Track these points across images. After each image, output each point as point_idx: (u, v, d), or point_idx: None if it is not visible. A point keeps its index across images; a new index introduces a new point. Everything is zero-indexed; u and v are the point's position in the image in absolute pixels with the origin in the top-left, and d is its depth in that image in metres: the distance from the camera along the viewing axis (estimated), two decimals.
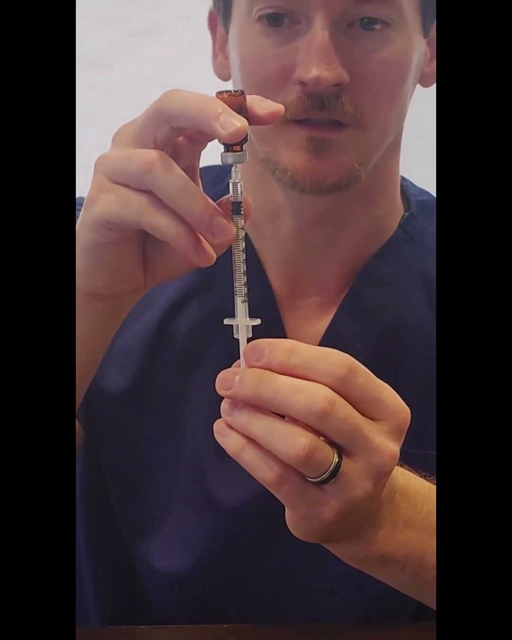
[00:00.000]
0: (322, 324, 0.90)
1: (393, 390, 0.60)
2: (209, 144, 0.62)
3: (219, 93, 0.59)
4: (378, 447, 0.58)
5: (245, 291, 0.60)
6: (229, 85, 0.87)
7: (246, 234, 0.88)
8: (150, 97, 0.62)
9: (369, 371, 0.58)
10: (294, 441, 0.56)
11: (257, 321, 0.60)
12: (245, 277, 0.60)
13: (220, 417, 0.59)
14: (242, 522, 0.90)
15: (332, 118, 0.79)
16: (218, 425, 0.59)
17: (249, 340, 0.60)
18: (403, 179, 0.95)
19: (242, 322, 0.60)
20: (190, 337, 0.90)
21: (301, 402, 0.56)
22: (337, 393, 0.57)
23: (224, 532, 0.90)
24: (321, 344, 0.87)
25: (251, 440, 0.58)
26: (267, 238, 0.90)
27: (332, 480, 0.57)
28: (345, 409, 0.57)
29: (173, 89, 0.60)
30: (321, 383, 0.57)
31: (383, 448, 0.58)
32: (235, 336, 0.60)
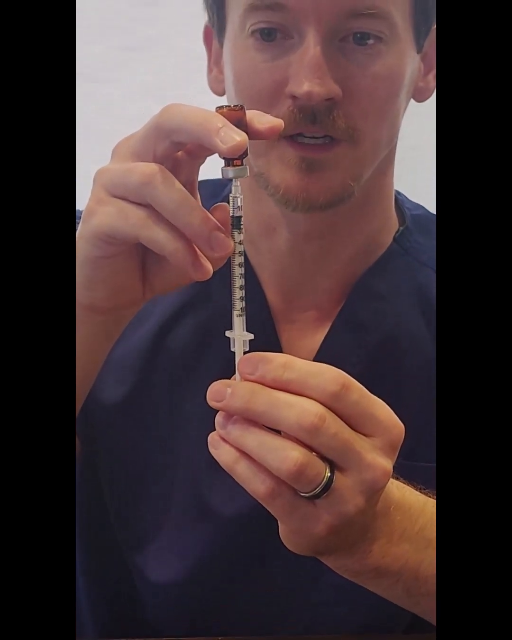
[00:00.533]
0: (318, 337, 0.90)
1: (387, 406, 0.60)
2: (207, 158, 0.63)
3: (219, 108, 0.59)
4: (370, 463, 0.58)
5: (243, 305, 0.60)
6: (224, 100, 0.87)
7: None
8: (146, 111, 0.62)
9: (363, 387, 0.59)
10: (286, 456, 0.56)
11: (251, 336, 0.61)
12: (243, 291, 0.60)
13: (215, 429, 0.59)
14: (237, 534, 0.90)
15: (325, 133, 0.79)
16: (212, 437, 0.60)
17: (245, 353, 0.60)
18: (398, 193, 0.95)
19: (238, 336, 0.60)
20: (186, 350, 0.90)
21: (291, 417, 0.56)
22: (330, 409, 0.57)
23: (219, 543, 0.90)
24: (316, 358, 0.88)
25: (244, 453, 0.58)
26: (263, 252, 0.90)
27: (324, 495, 0.57)
28: (336, 425, 0.57)
29: (173, 104, 0.60)
30: (314, 399, 0.57)
31: (375, 464, 0.58)
32: (232, 349, 0.60)
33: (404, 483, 0.67)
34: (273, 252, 0.89)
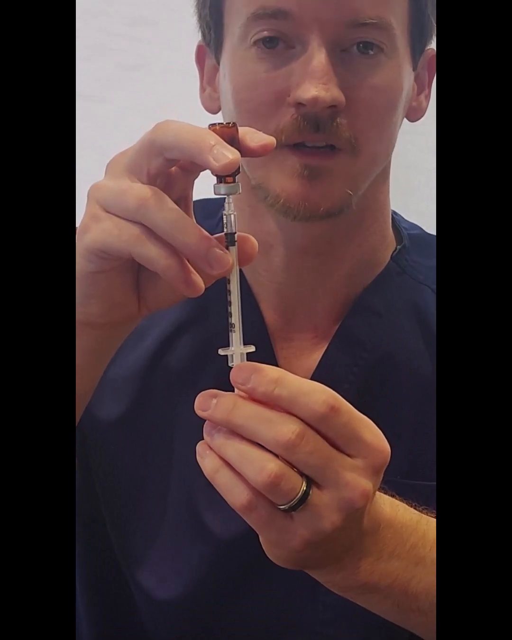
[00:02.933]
0: (316, 356, 0.90)
1: (375, 428, 0.61)
2: (203, 175, 0.63)
3: (212, 125, 0.59)
4: (349, 482, 0.59)
5: (240, 322, 0.61)
6: (219, 118, 0.87)
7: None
8: (142, 130, 0.62)
9: (352, 408, 0.59)
10: (262, 467, 0.57)
11: (252, 348, 0.61)
12: (239, 309, 0.61)
13: None
14: (233, 550, 0.89)
15: (327, 142, 0.79)
16: (200, 446, 0.61)
17: None
18: (394, 212, 0.95)
19: (237, 350, 0.61)
20: (184, 368, 0.90)
21: (269, 433, 0.57)
22: (316, 429, 0.58)
23: (216, 561, 0.90)
24: (314, 377, 0.88)
25: (226, 463, 0.59)
26: (260, 270, 0.90)
27: (300, 508, 0.58)
28: (314, 443, 0.58)
29: (166, 120, 0.60)
30: (300, 418, 0.58)
31: (354, 483, 0.59)
32: (230, 365, 0.61)
33: (399, 501, 0.67)
34: (270, 269, 0.89)
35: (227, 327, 0.61)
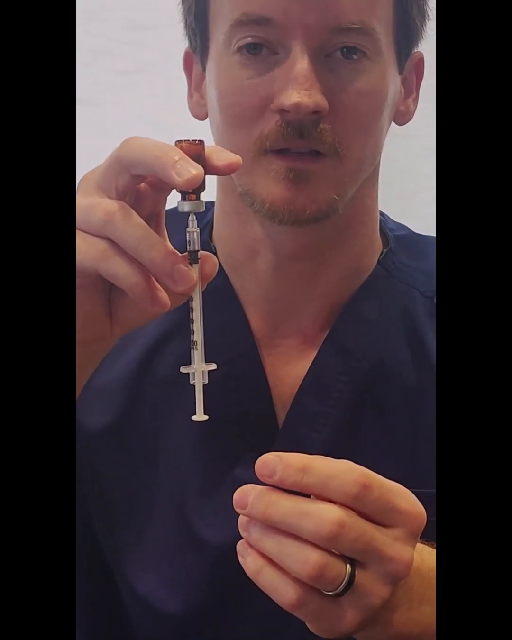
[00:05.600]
0: (304, 363, 0.89)
1: (408, 492, 0.61)
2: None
3: (178, 141, 0.59)
4: (393, 557, 0.59)
5: (202, 339, 0.62)
6: (206, 125, 0.88)
7: (226, 274, 0.90)
8: (139, 134, 0.63)
9: (383, 480, 0.60)
10: (304, 559, 0.57)
11: (213, 366, 0.62)
12: (202, 326, 0.62)
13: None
14: (227, 559, 0.89)
15: (311, 147, 0.79)
16: (240, 545, 0.62)
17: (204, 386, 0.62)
18: (381, 213, 0.95)
19: (199, 368, 0.62)
20: (171, 376, 0.89)
21: (309, 527, 0.58)
22: (352, 509, 0.58)
23: (209, 570, 0.90)
24: (303, 384, 0.88)
25: (269, 561, 0.60)
26: (247, 276, 0.90)
27: (348, 592, 0.59)
28: (356, 529, 0.58)
29: (133, 137, 0.61)
30: (334, 501, 0.58)
31: (397, 557, 0.59)
32: (191, 382, 0.62)
33: (420, 543, 0.66)
34: (257, 275, 0.89)
35: (190, 344, 0.62)
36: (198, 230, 0.61)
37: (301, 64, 0.77)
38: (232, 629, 0.91)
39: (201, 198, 0.59)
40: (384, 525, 0.60)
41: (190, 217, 0.60)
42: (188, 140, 0.59)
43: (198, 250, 0.61)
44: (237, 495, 0.60)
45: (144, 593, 0.91)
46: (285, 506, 0.59)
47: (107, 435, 0.90)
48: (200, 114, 0.90)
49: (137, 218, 0.60)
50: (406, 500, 0.60)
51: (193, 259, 0.61)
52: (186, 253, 0.62)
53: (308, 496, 0.60)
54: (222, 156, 0.60)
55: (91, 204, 0.61)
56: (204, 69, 0.87)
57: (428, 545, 0.68)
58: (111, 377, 0.90)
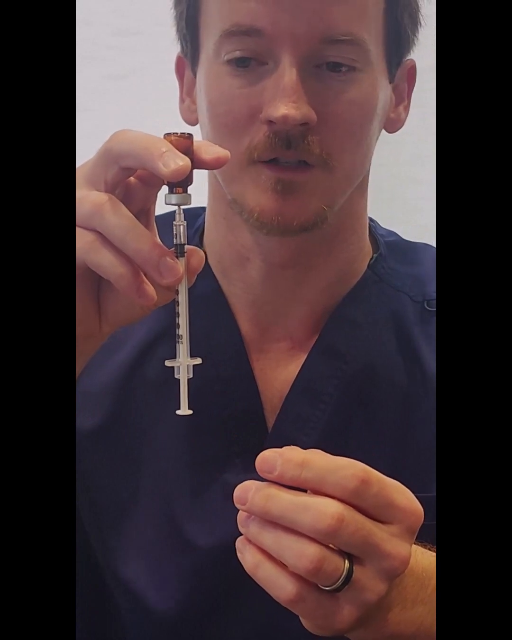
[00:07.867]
0: (293, 368, 0.89)
1: (406, 490, 0.61)
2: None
3: (167, 134, 0.60)
4: (390, 553, 0.59)
5: (188, 333, 0.62)
6: (197, 130, 0.87)
7: (216, 279, 0.90)
8: None
9: (381, 476, 0.60)
10: (302, 553, 0.58)
11: (198, 360, 0.62)
12: (187, 320, 0.62)
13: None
14: (217, 561, 0.89)
15: (299, 158, 0.79)
16: (239, 541, 0.62)
17: (189, 380, 0.62)
18: (371, 220, 0.95)
19: (184, 362, 0.61)
20: (160, 379, 0.89)
21: (308, 521, 0.58)
22: (350, 504, 0.59)
23: (200, 571, 0.89)
24: (293, 388, 0.88)
25: (267, 556, 0.60)
26: (236, 282, 0.90)
27: (345, 587, 0.59)
28: (354, 523, 0.58)
29: (122, 130, 0.61)
30: (333, 496, 0.59)
31: (395, 553, 0.59)
32: (176, 376, 0.62)
33: (414, 544, 0.66)
34: (246, 281, 0.89)
35: (175, 337, 0.61)
36: (185, 223, 0.61)
37: (290, 75, 0.77)
38: (223, 630, 0.91)
39: (189, 191, 0.60)
40: (382, 522, 0.60)
41: (177, 210, 0.61)
42: (177, 133, 0.60)
43: (185, 244, 0.61)
44: (237, 491, 0.61)
45: (136, 594, 0.90)
46: (284, 500, 0.59)
47: (95, 438, 0.90)
48: (191, 119, 0.90)
49: (124, 210, 0.60)
50: (404, 497, 0.61)
51: (180, 252, 0.61)
52: (173, 247, 0.62)
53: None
54: (210, 150, 0.60)
55: (80, 197, 0.61)
56: (194, 76, 0.87)
57: (422, 547, 0.68)
58: (98, 380, 0.90)
